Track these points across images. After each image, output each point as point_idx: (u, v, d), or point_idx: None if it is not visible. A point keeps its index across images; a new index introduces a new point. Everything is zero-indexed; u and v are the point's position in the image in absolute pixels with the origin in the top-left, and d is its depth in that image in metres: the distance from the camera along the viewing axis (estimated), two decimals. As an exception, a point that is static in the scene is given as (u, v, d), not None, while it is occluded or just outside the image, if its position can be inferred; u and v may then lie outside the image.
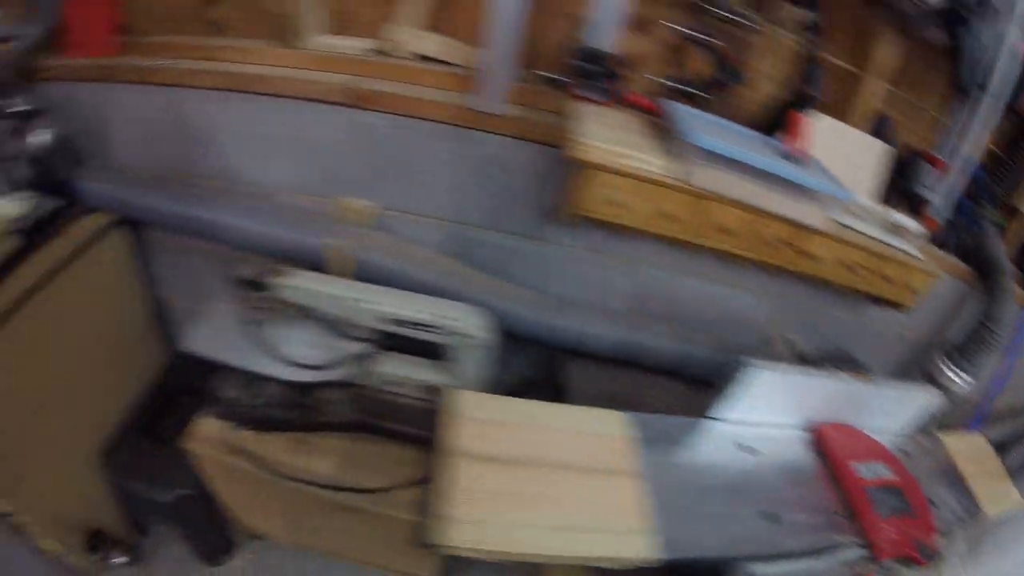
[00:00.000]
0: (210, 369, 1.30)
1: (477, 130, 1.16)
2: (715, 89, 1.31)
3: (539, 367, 1.29)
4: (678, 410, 1.05)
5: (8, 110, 1.38)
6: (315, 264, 1.16)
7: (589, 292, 1.29)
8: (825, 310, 1.36)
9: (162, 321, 1.66)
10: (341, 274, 1.15)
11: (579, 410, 0.98)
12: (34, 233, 1.35)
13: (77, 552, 1.56)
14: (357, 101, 1.20)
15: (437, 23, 1.27)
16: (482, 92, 1.13)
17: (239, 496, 1.35)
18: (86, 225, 1.38)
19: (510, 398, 0.96)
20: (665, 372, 1.34)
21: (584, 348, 1.27)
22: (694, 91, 1.30)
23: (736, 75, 1.30)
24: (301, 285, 1.11)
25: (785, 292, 1.33)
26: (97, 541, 1.55)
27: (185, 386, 1.48)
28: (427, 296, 1.13)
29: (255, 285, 1.15)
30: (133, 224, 1.42)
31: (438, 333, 1.12)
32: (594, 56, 1.14)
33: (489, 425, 0.92)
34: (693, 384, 1.35)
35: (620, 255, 1.26)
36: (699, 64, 1.31)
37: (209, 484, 1.34)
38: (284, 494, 1.24)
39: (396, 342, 1.17)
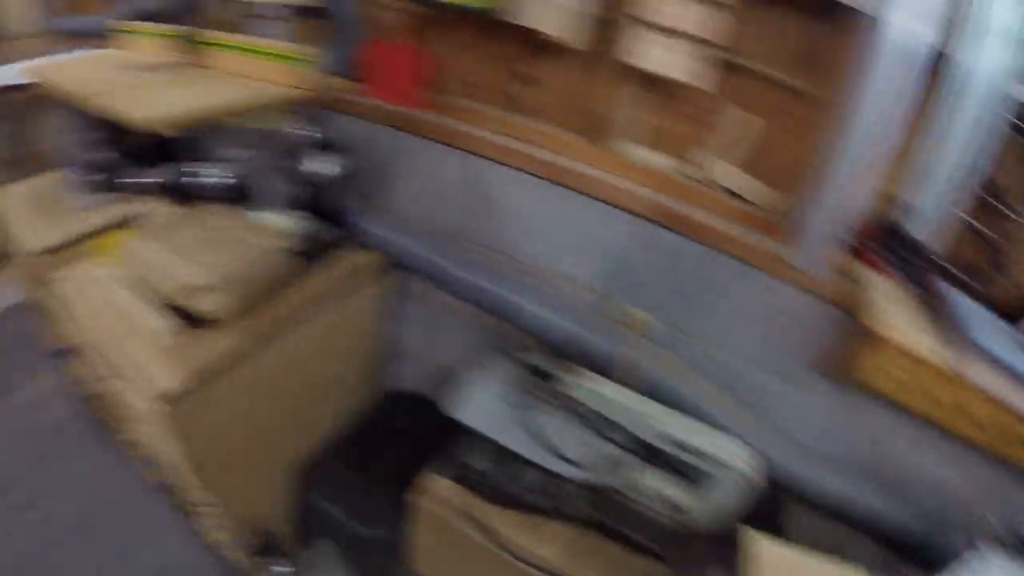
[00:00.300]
0: (436, 426, 1.35)
1: (777, 279, 1.22)
2: (981, 277, 1.37)
3: (755, 504, 1.33)
4: (876, 569, 1.13)
5: (303, 132, 1.45)
6: (600, 366, 1.22)
7: (828, 444, 1.34)
8: (1027, 502, 1.41)
9: (387, 361, 1.71)
10: (628, 383, 1.20)
11: (838, 565, 1.06)
12: (310, 256, 1.42)
13: (241, 550, 1.61)
14: (666, 220, 1.26)
15: (746, 161, 1.33)
16: (797, 246, 1.19)
17: (444, 556, 1.39)
18: (360, 261, 1.44)
19: (793, 546, 1.05)
20: (864, 529, 1.39)
21: (808, 495, 1.32)
22: (963, 276, 1.36)
23: (1003, 267, 1.37)
24: (596, 389, 1.16)
25: (1001, 480, 1.38)
26: (266, 545, 1.60)
27: (393, 428, 1.53)
28: (708, 425, 1.19)
29: (542, 373, 1.20)
30: (397, 268, 1.48)
31: (708, 460, 1.17)
32: (905, 239, 1.21)
33: (779, 571, 1.01)
34: (885, 545, 1.40)
35: (866, 416, 1.32)
36: (970, 250, 1.37)
37: (416, 535, 1.38)
38: (501, 568, 1.28)
39: (654, 455, 1.22)
